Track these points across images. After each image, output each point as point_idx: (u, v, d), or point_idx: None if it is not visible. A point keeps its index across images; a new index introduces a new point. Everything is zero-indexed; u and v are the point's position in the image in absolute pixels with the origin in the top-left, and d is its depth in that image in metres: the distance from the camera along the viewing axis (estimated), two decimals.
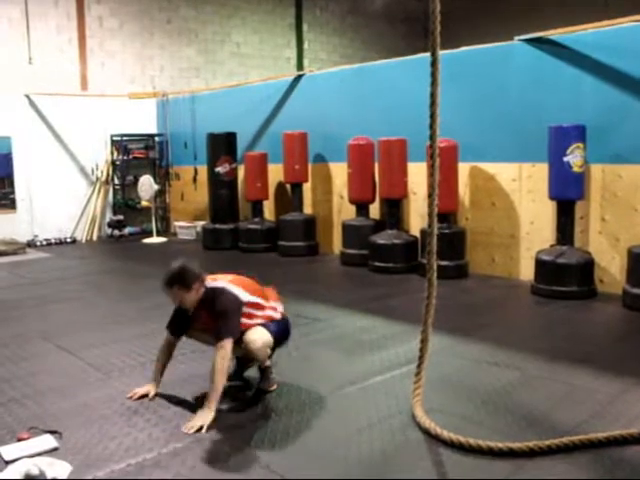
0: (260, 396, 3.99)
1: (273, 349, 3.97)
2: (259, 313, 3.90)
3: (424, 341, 3.64)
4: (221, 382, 3.63)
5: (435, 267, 3.56)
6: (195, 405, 3.84)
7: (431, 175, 3.53)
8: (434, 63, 3.34)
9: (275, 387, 4.08)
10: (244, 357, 4.22)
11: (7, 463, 3.10)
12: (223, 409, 3.80)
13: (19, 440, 3.37)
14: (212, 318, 3.77)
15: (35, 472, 2.89)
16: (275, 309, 4.02)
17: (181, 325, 4.00)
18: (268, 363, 4.09)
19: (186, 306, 3.82)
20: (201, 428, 3.48)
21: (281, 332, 3.99)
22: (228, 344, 3.63)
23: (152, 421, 3.64)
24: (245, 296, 3.84)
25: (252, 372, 4.26)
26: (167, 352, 4.05)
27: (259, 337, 3.80)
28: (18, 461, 3.04)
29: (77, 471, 3.05)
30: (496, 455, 3.10)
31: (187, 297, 3.74)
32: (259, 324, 3.86)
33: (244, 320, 3.80)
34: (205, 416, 3.55)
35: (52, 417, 3.73)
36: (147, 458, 3.20)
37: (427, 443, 3.30)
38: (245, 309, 3.80)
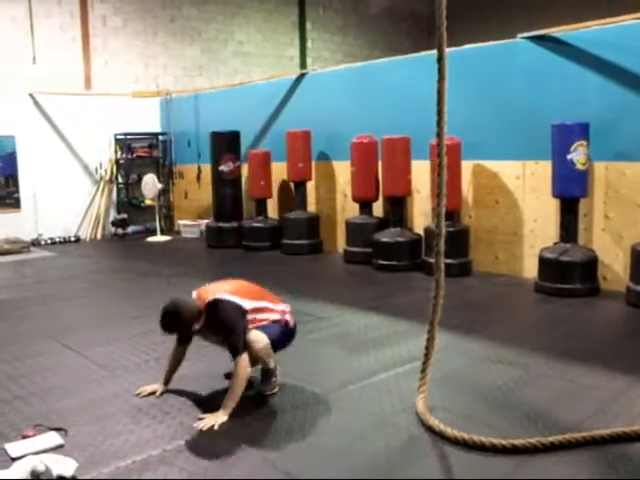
0: (260, 398, 3.97)
1: (275, 349, 3.97)
2: (264, 316, 3.89)
3: (430, 340, 3.64)
4: (240, 391, 3.64)
5: (443, 268, 3.54)
6: (204, 399, 3.87)
7: (438, 174, 3.43)
8: (440, 59, 3.26)
9: (276, 390, 4.03)
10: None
11: (13, 460, 3.13)
12: None
13: (25, 437, 3.40)
14: (217, 332, 3.79)
15: (41, 469, 2.90)
16: (284, 312, 4.02)
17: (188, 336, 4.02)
18: (272, 365, 4.06)
19: (193, 332, 3.85)
20: (212, 426, 3.50)
21: (280, 337, 3.95)
22: (244, 357, 3.65)
23: (157, 418, 3.66)
24: (247, 303, 3.81)
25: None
26: (177, 358, 4.07)
27: (260, 339, 3.80)
28: (24, 458, 3.06)
29: (83, 468, 3.06)
30: (499, 452, 3.11)
31: (189, 332, 3.80)
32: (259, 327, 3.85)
33: (249, 326, 3.80)
34: (218, 417, 3.56)
35: (57, 415, 3.75)
36: (152, 455, 3.22)
37: (431, 440, 3.31)
38: (249, 315, 3.80)
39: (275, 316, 3.95)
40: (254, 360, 3.86)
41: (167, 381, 4.08)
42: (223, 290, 3.86)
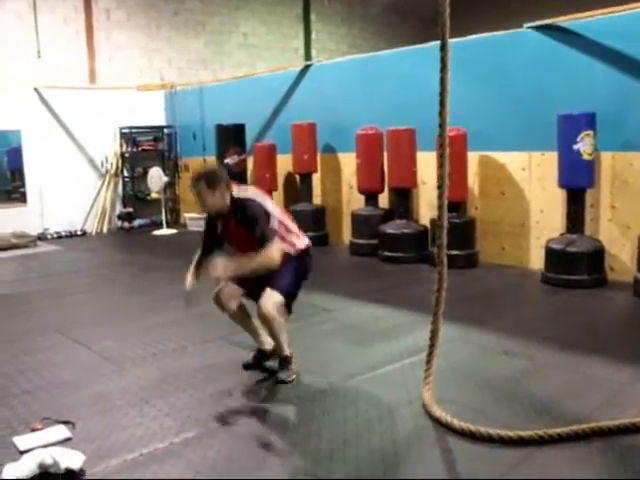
0: (278, 385, 4.01)
1: (293, 298, 4.08)
2: (285, 235, 4.00)
3: (434, 332, 3.64)
4: (257, 264, 3.72)
5: (445, 260, 3.54)
6: (212, 393, 3.88)
7: (440, 166, 3.45)
8: (443, 47, 3.24)
9: (294, 377, 4.08)
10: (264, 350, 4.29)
11: (21, 453, 3.14)
12: (232, 399, 3.83)
13: (33, 430, 3.42)
14: (241, 228, 3.89)
15: (49, 462, 2.92)
16: (299, 236, 4.12)
17: (212, 244, 4.17)
18: (287, 352, 4.11)
19: (209, 208, 3.96)
20: (220, 268, 3.63)
21: (295, 278, 4.04)
22: (274, 248, 3.74)
23: (164, 411, 3.67)
24: (276, 212, 4.00)
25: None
26: (198, 267, 4.16)
27: (267, 299, 3.88)
28: (32, 451, 3.07)
29: (90, 460, 3.08)
30: (506, 443, 3.11)
31: (211, 198, 3.87)
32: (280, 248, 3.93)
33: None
34: (230, 265, 3.66)
35: (65, 408, 3.76)
36: (159, 447, 3.23)
37: (438, 432, 3.31)
38: (276, 224, 3.92)
39: (294, 239, 4.05)
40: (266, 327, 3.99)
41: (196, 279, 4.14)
42: (255, 192, 4.08)
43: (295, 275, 4.04)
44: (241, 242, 3.96)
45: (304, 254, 4.11)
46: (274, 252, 3.75)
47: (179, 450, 3.20)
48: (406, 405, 3.65)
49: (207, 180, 3.86)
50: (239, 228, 3.92)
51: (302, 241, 4.12)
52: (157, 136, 12.28)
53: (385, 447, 3.16)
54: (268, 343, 4.26)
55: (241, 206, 3.90)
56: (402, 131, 7.84)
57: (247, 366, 4.28)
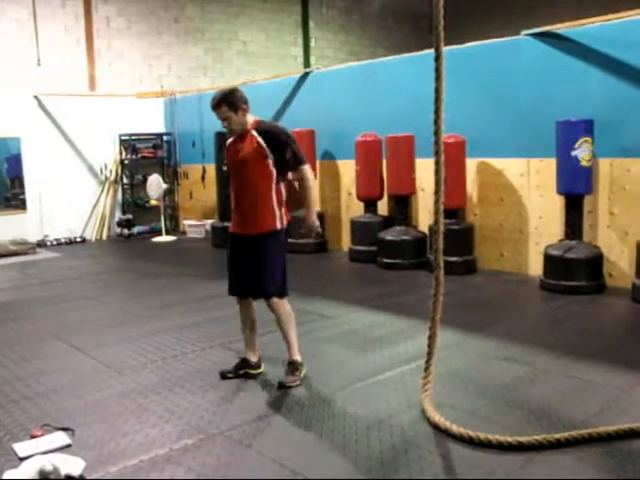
0: (277, 391, 4.03)
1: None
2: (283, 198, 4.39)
3: (432, 337, 3.66)
4: (314, 198, 4.04)
5: (442, 265, 3.57)
6: (211, 399, 3.88)
7: (436, 172, 3.51)
8: (438, 58, 3.32)
9: (297, 384, 4.08)
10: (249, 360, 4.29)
11: (21, 460, 3.15)
12: (232, 406, 3.83)
13: (33, 437, 3.42)
14: (251, 151, 4.03)
15: (49, 468, 2.92)
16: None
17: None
18: (297, 357, 4.18)
19: (236, 128, 4.07)
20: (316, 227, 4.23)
21: (283, 263, 4.43)
22: (308, 169, 4.17)
23: (163, 418, 3.68)
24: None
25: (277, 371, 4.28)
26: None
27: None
28: (32, 458, 3.08)
29: (90, 467, 3.08)
30: (505, 449, 3.12)
31: (235, 118, 4.03)
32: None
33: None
34: (314, 217, 4.23)
35: (65, 415, 3.77)
36: (159, 454, 3.24)
37: (436, 438, 3.31)
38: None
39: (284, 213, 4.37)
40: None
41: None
42: None
43: (283, 259, 4.36)
44: (241, 167, 4.12)
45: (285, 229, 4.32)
46: (312, 179, 4.20)
47: (179, 457, 3.21)
48: (405, 411, 3.66)
49: (229, 103, 4.00)
50: (250, 150, 4.03)
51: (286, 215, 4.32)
52: (156, 143, 12.31)
53: (384, 452, 3.17)
54: (254, 356, 4.31)
55: (269, 126, 4.14)
56: (400, 138, 7.86)
57: (224, 374, 4.28)
